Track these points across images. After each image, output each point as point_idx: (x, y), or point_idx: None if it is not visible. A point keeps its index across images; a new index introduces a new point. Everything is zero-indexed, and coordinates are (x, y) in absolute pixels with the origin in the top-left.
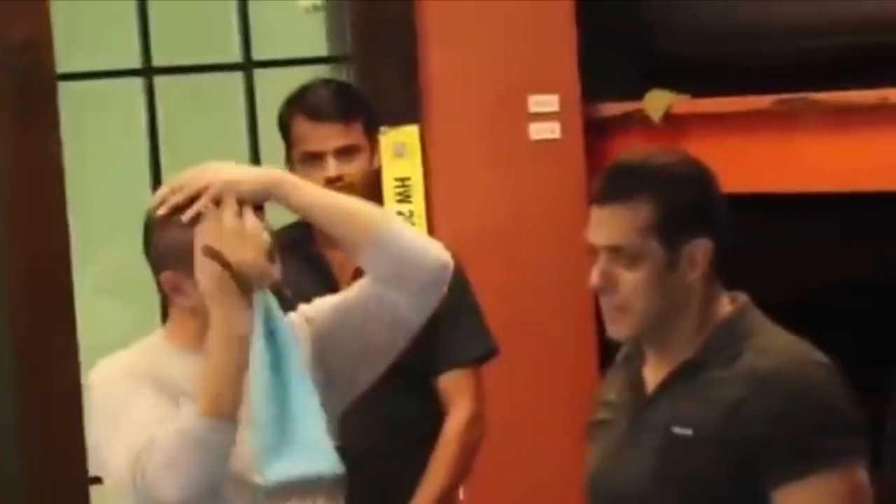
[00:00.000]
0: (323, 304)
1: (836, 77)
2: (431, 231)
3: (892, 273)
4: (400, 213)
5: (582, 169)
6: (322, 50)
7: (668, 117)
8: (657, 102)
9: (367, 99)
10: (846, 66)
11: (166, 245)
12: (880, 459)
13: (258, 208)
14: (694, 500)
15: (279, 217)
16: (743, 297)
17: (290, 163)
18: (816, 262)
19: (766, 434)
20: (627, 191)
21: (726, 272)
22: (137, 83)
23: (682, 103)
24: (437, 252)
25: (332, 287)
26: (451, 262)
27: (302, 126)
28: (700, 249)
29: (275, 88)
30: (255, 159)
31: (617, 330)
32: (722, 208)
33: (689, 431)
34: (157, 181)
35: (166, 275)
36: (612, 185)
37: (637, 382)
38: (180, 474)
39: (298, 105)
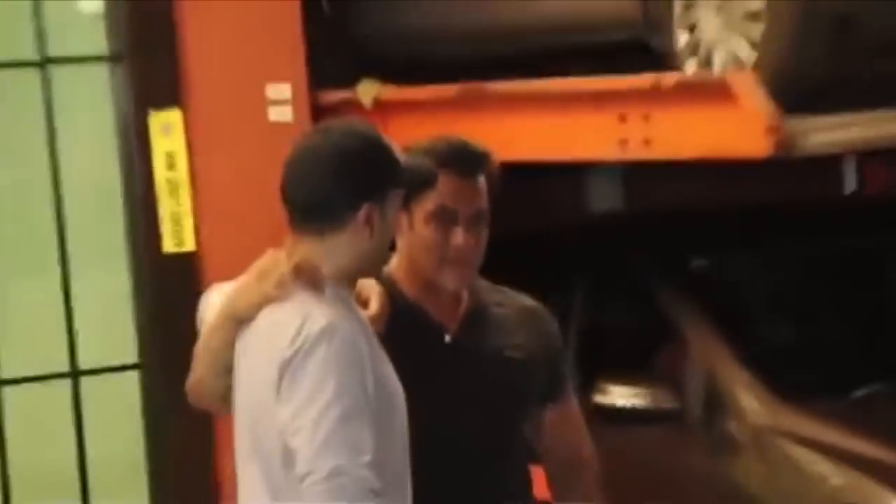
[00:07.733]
0: None
1: (507, 70)
2: (195, 197)
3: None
4: (168, 181)
5: None
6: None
7: (377, 103)
8: (367, 90)
9: None
10: (514, 62)
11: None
12: None
13: None
14: (501, 411)
15: None
16: None
17: None
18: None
19: (553, 357)
20: (481, 166)
21: None
22: None
23: (388, 91)
24: None
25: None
26: None
27: None
28: None
29: (64, 84)
30: (52, 152)
31: (458, 282)
32: None
33: (519, 354)
34: None
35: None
36: (473, 161)
37: (428, 323)
38: None
39: None
